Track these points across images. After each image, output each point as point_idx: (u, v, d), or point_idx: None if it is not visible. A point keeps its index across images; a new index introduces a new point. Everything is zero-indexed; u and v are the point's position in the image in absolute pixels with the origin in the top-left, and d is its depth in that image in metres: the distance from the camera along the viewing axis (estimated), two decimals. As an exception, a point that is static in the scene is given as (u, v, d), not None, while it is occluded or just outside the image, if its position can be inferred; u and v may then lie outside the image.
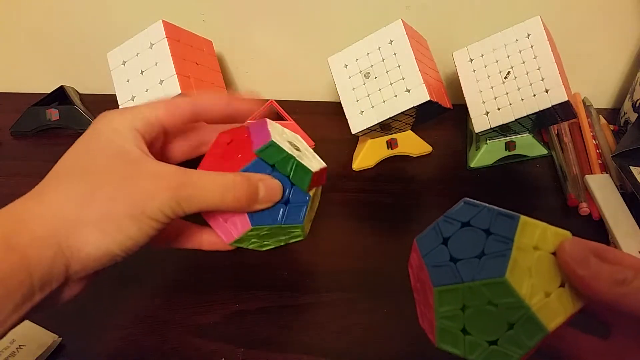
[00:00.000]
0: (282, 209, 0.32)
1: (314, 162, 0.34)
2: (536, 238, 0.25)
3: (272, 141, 0.31)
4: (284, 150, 0.31)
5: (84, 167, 0.27)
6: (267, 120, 0.34)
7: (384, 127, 0.50)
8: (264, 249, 0.36)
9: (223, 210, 0.32)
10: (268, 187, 0.30)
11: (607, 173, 0.51)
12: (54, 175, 0.27)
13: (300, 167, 0.32)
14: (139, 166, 0.27)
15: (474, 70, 0.49)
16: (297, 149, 0.34)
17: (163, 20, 0.48)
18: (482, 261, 0.24)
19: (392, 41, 0.47)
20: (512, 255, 0.24)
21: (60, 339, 0.37)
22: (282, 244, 0.36)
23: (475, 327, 0.25)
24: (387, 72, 0.47)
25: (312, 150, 0.36)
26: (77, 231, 0.25)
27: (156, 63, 0.48)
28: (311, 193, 0.33)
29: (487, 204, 0.26)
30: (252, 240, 0.34)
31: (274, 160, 0.31)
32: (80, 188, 0.26)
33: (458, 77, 0.50)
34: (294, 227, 0.34)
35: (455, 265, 0.25)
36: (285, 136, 0.34)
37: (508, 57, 0.47)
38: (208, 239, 0.34)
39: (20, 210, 0.25)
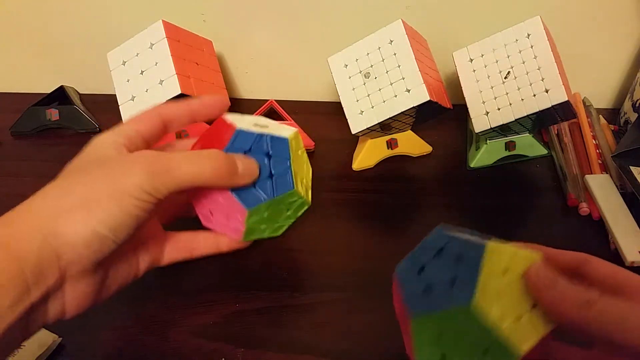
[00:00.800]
0: (269, 183, 0.33)
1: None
2: (505, 263, 0.25)
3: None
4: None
5: (67, 172, 0.29)
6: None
7: (384, 127, 0.50)
8: (280, 232, 0.37)
9: (209, 191, 0.33)
10: (245, 162, 0.31)
11: (607, 173, 0.51)
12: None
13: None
14: (115, 157, 0.29)
15: (474, 70, 0.49)
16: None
17: (163, 20, 0.48)
18: (454, 289, 0.25)
19: (392, 41, 0.47)
20: (480, 282, 0.24)
21: (60, 339, 0.37)
22: (293, 220, 0.37)
23: (453, 353, 0.25)
24: (387, 72, 0.47)
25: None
26: (60, 218, 0.25)
27: (156, 63, 0.48)
28: (291, 156, 0.33)
29: (460, 230, 0.27)
30: (262, 227, 0.35)
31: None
32: (62, 184, 0.27)
33: (458, 77, 0.50)
34: (291, 196, 0.34)
35: (429, 294, 0.26)
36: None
37: (508, 57, 0.47)
38: (225, 241, 0.36)
39: (8, 215, 0.26)
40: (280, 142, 0.33)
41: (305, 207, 0.36)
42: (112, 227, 0.26)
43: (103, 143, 0.30)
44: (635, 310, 0.23)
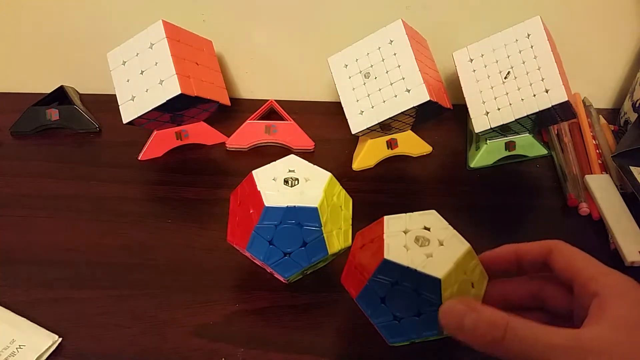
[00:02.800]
0: (303, 251, 0.35)
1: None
2: (454, 278, 0.29)
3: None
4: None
5: None
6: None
7: (384, 127, 0.50)
8: (319, 266, 0.39)
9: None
10: None
11: (607, 173, 0.51)
12: None
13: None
14: None
15: (474, 70, 0.49)
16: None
17: (163, 20, 0.48)
18: (422, 320, 0.29)
19: (392, 41, 0.47)
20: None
21: (60, 339, 0.37)
22: (333, 257, 0.38)
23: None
24: (387, 72, 0.47)
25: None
26: None
27: (156, 63, 0.48)
28: (323, 220, 0.35)
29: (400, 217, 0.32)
30: (303, 272, 0.38)
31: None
32: None
33: (458, 77, 0.50)
34: (326, 258, 0.36)
35: (400, 324, 0.30)
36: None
37: (508, 57, 0.47)
38: None
39: None
40: (309, 211, 0.34)
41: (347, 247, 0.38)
42: None
43: None
44: (540, 334, 0.24)
